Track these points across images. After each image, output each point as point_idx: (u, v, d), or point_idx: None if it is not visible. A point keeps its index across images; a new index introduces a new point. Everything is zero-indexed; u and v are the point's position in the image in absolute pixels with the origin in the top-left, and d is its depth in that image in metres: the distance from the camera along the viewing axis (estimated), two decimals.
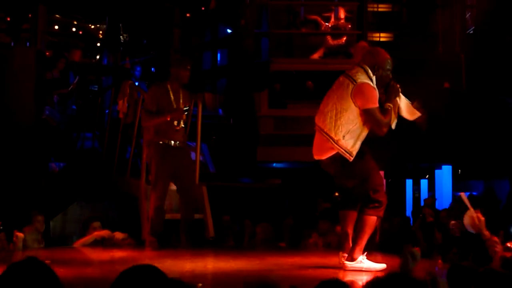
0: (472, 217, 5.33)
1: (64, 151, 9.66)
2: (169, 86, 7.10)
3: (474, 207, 5.38)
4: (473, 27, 11.39)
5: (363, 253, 5.42)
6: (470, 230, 5.35)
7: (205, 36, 12.45)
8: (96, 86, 12.24)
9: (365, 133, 5.36)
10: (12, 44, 11.01)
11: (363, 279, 5.05)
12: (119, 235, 7.43)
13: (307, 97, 10.04)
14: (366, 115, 5.30)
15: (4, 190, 7.80)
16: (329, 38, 10.47)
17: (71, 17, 13.81)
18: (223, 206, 8.63)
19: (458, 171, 10.26)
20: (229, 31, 11.78)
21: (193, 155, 7.87)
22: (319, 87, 9.80)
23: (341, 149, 5.28)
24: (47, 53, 11.06)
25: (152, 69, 12.58)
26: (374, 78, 5.40)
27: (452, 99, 10.47)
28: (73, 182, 8.41)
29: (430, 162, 10.16)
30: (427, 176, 10.24)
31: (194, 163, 7.61)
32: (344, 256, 5.44)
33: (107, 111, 10.04)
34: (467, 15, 11.50)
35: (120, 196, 8.20)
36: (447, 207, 8.70)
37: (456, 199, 8.91)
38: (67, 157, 9.47)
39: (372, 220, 5.38)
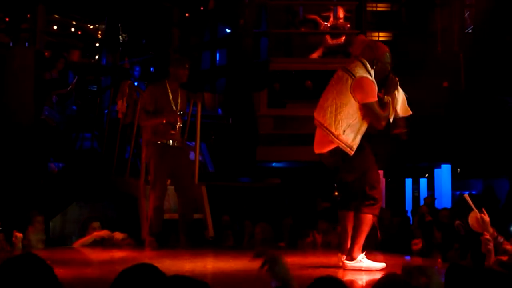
0: (477, 217, 5.35)
1: (63, 151, 9.66)
2: (168, 85, 7.10)
3: (476, 207, 5.39)
4: (472, 26, 11.39)
5: (362, 253, 5.42)
6: (476, 230, 5.37)
7: (204, 36, 12.45)
8: (95, 86, 12.23)
9: (364, 127, 5.37)
10: (11, 44, 11.00)
11: (362, 278, 5.06)
12: (118, 235, 7.43)
13: (306, 97, 10.04)
14: (365, 109, 5.30)
15: (3, 190, 7.80)
16: (328, 37, 10.47)
17: (70, 17, 13.80)
18: (222, 206, 8.63)
19: (458, 170, 10.26)
20: (228, 30, 11.77)
21: (192, 154, 7.87)
22: (318, 86, 9.78)
23: (342, 144, 5.29)
24: (46, 53, 11.05)
25: (151, 69, 12.58)
26: (372, 71, 5.41)
27: (451, 98, 10.47)
28: (72, 182, 8.40)
29: (429, 161, 10.17)
30: (426, 175, 10.24)
31: (192, 163, 7.61)
32: (343, 257, 5.44)
33: (106, 111, 10.03)
34: (466, 15, 11.51)
35: (119, 196, 8.20)
36: (449, 207, 8.71)
37: (458, 199, 8.93)
38: (66, 157, 9.46)
39: (368, 219, 5.39)
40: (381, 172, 9.41)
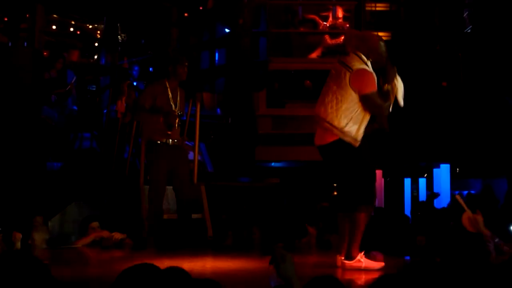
0: (469, 217, 5.37)
1: (62, 151, 9.65)
2: (167, 84, 7.11)
3: (473, 206, 5.40)
4: (471, 26, 11.39)
5: (361, 252, 5.43)
6: (469, 230, 5.38)
7: (203, 36, 12.44)
8: (94, 86, 12.23)
9: (367, 117, 5.41)
10: (10, 43, 10.99)
11: (362, 278, 5.06)
12: (117, 235, 7.43)
13: (305, 97, 10.04)
14: (366, 100, 5.33)
15: (2, 190, 7.79)
16: (327, 37, 10.46)
17: (69, 17, 13.79)
18: (221, 206, 8.63)
19: (456, 170, 10.25)
20: (227, 30, 11.77)
21: (191, 154, 7.87)
22: (317, 86, 9.77)
23: (346, 137, 5.32)
24: (45, 53, 11.04)
25: (150, 68, 12.57)
26: (369, 62, 5.43)
27: (450, 98, 10.48)
28: (72, 182, 8.40)
29: (428, 161, 10.16)
30: (425, 175, 10.23)
31: (191, 162, 7.61)
32: (342, 257, 5.45)
33: (105, 110, 10.03)
34: (465, 14, 11.50)
35: (118, 196, 8.20)
36: (445, 206, 8.71)
37: (451, 200, 8.93)
38: (65, 157, 9.45)
39: (363, 217, 5.41)
40: (380, 172, 9.47)
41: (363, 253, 5.45)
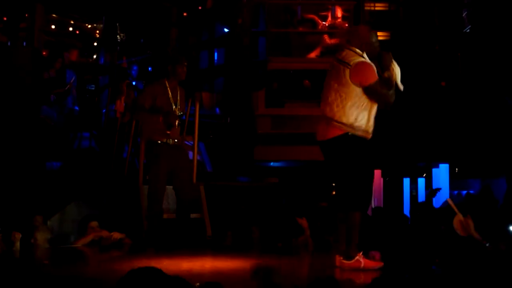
0: (461, 221, 5.38)
1: (61, 150, 9.65)
2: (167, 84, 7.12)
3: (472, 206, 5.42)
4: (470, 26, 11.40)
5: (360, 252, 5.44)
6: (460, 233, 5.40)
7: (202, 35, 12.45)
8: (93, 86, 12.23)
9: (375, 107, 5.45)
10: (9, 43, 10.99)
11: (361, 278, 5.06)
12: (116, 235, 7.44)
13: (304, 96, 10.05)
14: (370, 91, 5.35)
15: (1, 190, 7.79)
16: (326, 37, 10.47)
17: (68, 17, 13.78)
18: (220, 205, 8.63)
19: (455, 170, 10.26)
20: (226, 30, 11.77)
21: (190, 154, 7.87)
22: (316, 86, 9.79)
23: (358, 131, 5.34)
24: (44, 53, 11.04)
25: (149, 68, 12.57)
26: (365, 54, 5.46)
27: (449, 97, 10.49)
28: (71, 181, 8.40)
29: (427, 160, 10.16)
30: (424, 175, 10.23)
31: (191, 162, 7.62)
32: (341, 257, 5.45)
33: (104, 110, 10.03)
34: (464, 14, 11.51)
35: (117, 195, 8.20)
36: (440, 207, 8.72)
37: (458, 199, 8.93)
38: (65, 157, 9.46)
39: (358, 216, 5.42)
40: (379, 172, 9.46)
41: (362, 253, 5.46)
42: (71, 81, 10.26)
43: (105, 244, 7.28)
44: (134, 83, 10.35)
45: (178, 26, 12.47)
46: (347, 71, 5.38)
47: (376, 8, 12.08)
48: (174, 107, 7.08)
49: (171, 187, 7.26)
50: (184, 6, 12.71)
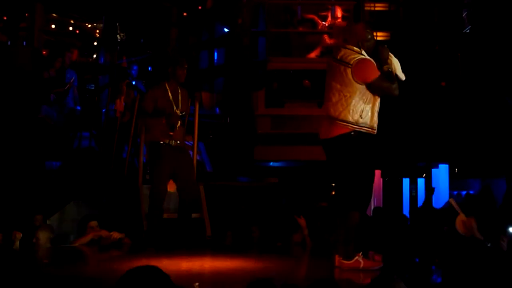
0: (464, 221, 5.37)
1: (61, 150, 9.65)
2: (167, 86, 7.12)
3: (471, 207, 5.41)
4: (470, 26, 11.40)
5: (360, 253, 5.44)
6: (463, 234, 5.39)
7: (202, 35, 12.45)
8: (93, 85, 12.23)
9: (378, 102, 5.48)
10: (9, 43, 10.99)
11: (360, 278, 5.06)
12: (116, 234, 7.44)
13: (304, 96, 10.05)
14: (374, 87, 5.36)
15: (1, 189, 7.79)
16: (326, 37, 10.47)
17: (68, 16, 13.78)
18: (220, 205, 8.63)
19: (455, 170, 10.26)
20: (226, 30, 11.77)
21: (190, 153, 7.87)
22: (316, 86, 9.80)
23: (363, 128, 5.35)
24: (44, 52, 11.04)
25: (149, 68, 12.57)
26: (363, 51, 5.46)
27: (449, 97, 10.48)
28: (70, 181, 8.40)
29: (427, 161, 10.16)
30: (424, 175, 10.23)
31: (193, 161, 7.60)
32: (340, 257, 5.45)
33: (104, 110, 10.03)
34: (464, 14, 11.51)
35: (117, 195, 8.20)
36: (446, 206, 8.71)
37: (457, 199, 8.92)
38: (64, 156, 9.46)
39: (357, 216, 5.42)
40: (378, 172, 9.47)
41: (361, 253, 5.46)
42: (71, 80, 10.26)
43: (104, 244, 7.28)
44: (134, 82, 10.34)
45: (178, 26, 12.47)
46: (349, 71, 5.38)
47: (376, 8, 12.08)
48: (175, 108, 7.08)
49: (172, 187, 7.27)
50: (184, 6, 12.71)
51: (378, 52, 5.55)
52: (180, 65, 7.12)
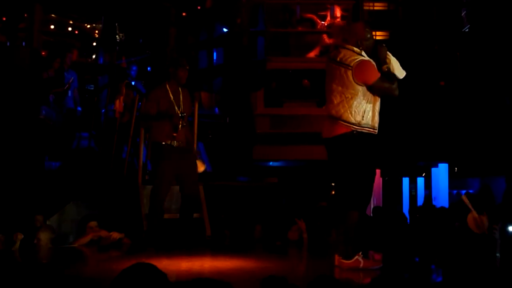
0: (475, 218, 5.37)
1: (61, 150, 9.65)
2: (168, 87, 7.11)
3: (475, 207, 5.41)
4: (469, 25, 11.40)
5: (359, 252, 5.44)
6: (474, 231, 5.38)
7: (201, 35, 12.45)
8: (92, 86, 12.23)
9: (378, 103, 5.50)
10: (8, 43, 10.99)
11: (359, 278, 5.06)
12: (115, 234, 7.44)
13: (303, 96, 10.05)
14: (375, 88, 5.37)
15: (1, 190, 7.79)
16: (325, 36, 10.47)
17: (67, 17, 13.79)
18: (219, 205, 8.63)
19: (455, 169, 10.26)
20: (225, 30, 11.77)
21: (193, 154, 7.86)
22: (315, 85, 9.80)
23: (365, 128, 5.36)
24: (43, 53, 11.04)
25: (148, 68, 12.58)
26: (363, 52, 5.46)
27: (448, 97, 10.49)
28: (70, 181, 8.40)
29: (426, 160, 10.17)
30: (423, 174, 10.24)
31: (196, 163, 7.59)
32: (340, 257, 5.45)
33: (103, 110, 10.03)
34: (463, 14, 11.51)
35: (116, 195, 8.20)
36: (446, 206, 8.71)
37: (456, 199, 8.92)
38: (63, 157, 9.46)
39: (356, 215, 5.42)
40: (378, 171, 9.47)
41: (361, 253, 5.46)
42: (70, 81, 10.25)
43: (104, 244, 7.28)
44: (133, 83, 10.34)
45: (177, 26, 12.48)
46: (349, 73, 5.38)
47: (375, 8, 12.09)
48: (176, 108, 7.07)
49: (175, 187, 7.27)
50: (183, 6, 12.72)
51: (376, 51, 5.56)
52: (181, 66, 7.12)
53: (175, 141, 7.02)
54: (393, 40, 11.54)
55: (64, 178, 8.56)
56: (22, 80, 8.91)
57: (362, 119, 5.39)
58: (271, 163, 10.40)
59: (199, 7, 12.58)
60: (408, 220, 8.33)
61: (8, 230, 6.88)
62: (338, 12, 10.58)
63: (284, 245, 7.70)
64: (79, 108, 10.62)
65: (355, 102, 5.39)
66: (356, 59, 5.40)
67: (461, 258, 5.83)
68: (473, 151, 9.97)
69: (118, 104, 9.10)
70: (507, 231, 6.05)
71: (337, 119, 5.43)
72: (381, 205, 9.43)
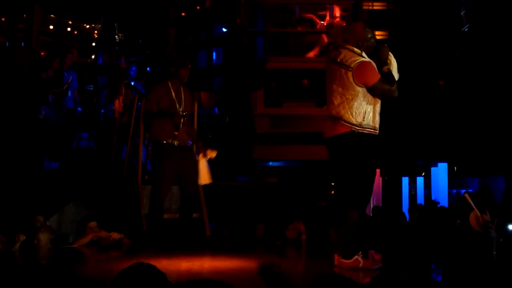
0: (478, 216, 5.36)
1: (60, 150, 9.65)
2: (170, 85, 7.11)
3: (476, 206, 5.41)
4: (468, 25, 11.41)
5: (359, 252, 5.44)
6: (476, 229, 5.38)
7: (200, 35, 12.45)
8: (92, 86, 12.22)
9: (379, 104, 5.50)
10: (7, 44, 10.98)
11: (359, 277, 5.06)
12: (115, 235, 7.44)
13: (303, 96, 10.04)
14: (375, 90, 5.36)
15: (0, 191, 7.79)
16: (324, 36, 10.47)
17: (66, 17, 13.79)
18: (219, 205, 8.63)
19: (454, 169, 10.27)
20: (224, 29, 11.77)
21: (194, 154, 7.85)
22: (315, 85, 9.80)
23: (366, 129, 5.36)
24: (42, 53, 11.04)
25: (148, 68, 12.58)
26: (363, 52, 5.45)
27: (447, 96, 10.49)
28: (69, 182, 8.40)
29: (426, 159, 10.18)
30: (423, 174, 10.25)
31: (197, 163, 7.58)
32: (339, 257, 5.45)
33: (102, 110, 10.02)
34: (462, 13, 11.52)
35: (116, 196, 8.20)
36: (445, 205, 8.71)
37: (457, 198, 8.92)
38: (63, 157, 9.46)
39: (355, 215, 5.42)
40: (378, 171, 9.47)
41: (360, 252, 5.46)
42: (69, 80, 10.25)
43: (104, 244, 7.28)
44: (132, 83, 10.34)
45: (177, 26, 12.48)
46: (350, 74, 5.37)
47: (374, 7, 12.09)
48: (178, 106, 7.07)
49: (175, 187, 7.27)
50: (182, 6, 12.72)
51: (378, 51, 5.54)
52: (183, 65, 7.12)
53: (176, 140, 7.02)
54: (392, 39, 11.54)
55: (64, 178, 8.56)
56: (21, 81, 8.91)
57: (363, 120, 5.39)
58: (270, 163, 10.40)
59: (198, 7, 12.58)
60: (408, 220, 8.34)
61: (9, 231, 6.88)
62: (337, 12, 10.58)
63: (283, 244, 7.70)
64: (79, 109, 10.62)
65: (355, 103, 5.38)
66: (357, 60, 5.39)
67: (461, 257, 5.83)
68: (472, 150, 9.98)
69: (118, 104, 9.09)
70: (507, 230, 6.05)
71: (338, 119, 5.43)
72: (380, 205, 9.44)
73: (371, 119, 5.43)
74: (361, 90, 5.38)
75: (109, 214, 7.88)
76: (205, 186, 8.14)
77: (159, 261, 5.68)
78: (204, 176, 7.20)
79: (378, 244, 6.88)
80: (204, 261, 6.30)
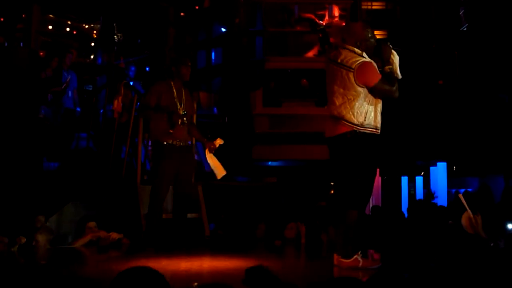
0: (470, 218, 5.35)
1: (59, 150, 9.65)
2: (172, 84, 7.11)
3: (471, 206, 5.40)
4: (467, 24, 11.41)
5: (359, 252, 5.43)
6: (468, 230, 5.37)
7: (200, 35, 12.45)
8: (91, 86, 12.22)
9: (380, 104, 5.50)
10: (6, 44, 10.98)
11: (359, 277, 5.06)
12: (114, 235, 7.43)
13: (302, 95, 10.04)
14: (376, 90, 5.36)
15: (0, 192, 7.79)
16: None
17: (65, 17, 13.78)
18: (219, 205, 8.62)
19: (453, 168, 10.27)
20: (223, 29, 11.77)
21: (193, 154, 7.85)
22: (314, 85, 9.80)
23: (368, 129, 5.36)
24: (41, 53, 11.03)
25: (147, 68, 12.57)
26: (363, 52, 5.44)
27: (446, 96, 10.49)
28: (68, 182, 8.39)
29: (425, 159, 10.18)
30: (422, 173, 10.25)
31: (196, 162, 7.57)
32: (339, 257, 5.45)
33: (101, 110, 10.02)
34: (461, 12, 11.52)
35: (115, 196, 8.20)
36: (445, 205, 8.71)
37: (453, 198, 8.92)
38: (62, 157, 9.45)
39: (355, 214, 5.42)
40: (377, 170, 9.46)
41: (360, 252, 5.45)
42: (67, 80, 10.25)
43: (103, 245, 7.28)
44: (131, 83, 10.34)
45: (176, 26, 12.47)
46: (351, 75, 5.36)
47: (373, 7, 12.09)
48: (178, 105, 7.07)
49: (171, 187, 7.27)
50: (181, 6, 12.71)
51: (380, 50, 5.53)
52: (184, 64, 7.12)
53: (177, 140, 7.02)
54: (391, 39, 11.53)
55: (63, 178, 8.55)
56: (20, 81, 8.90)
57: (365, 120, 5.39)
58: (270, 163, 10.40)
59: (197, 7, 12.58)
60: (406, 215, 8.33)
61: (11, 232, 6.87)
62: (336, 12, 10.58)
63: (283, 244, 7.69)
64: (78, 109, 10.62)
65: (357, 104, 5.37)
66: (358, 60, 5.37)
67: (452, 257, 5.84)
68: (471, 150, 9.98)
69: (117, 104, 9.08)
70: (507, 229, 6.06)
71: (340, 119, 5.42)
72: (380, 204, 9.43)
73: (373, 119, 5.43)
74: (362, 91, 5.37)
75: (108, 214, 7.88)
76: (205, 186, 8.15)
77: (159, 261, 5.67)
78: (219, 170, 7.19)
79: (377, 243, 6.89)
80: (204, 261, 6.30)
